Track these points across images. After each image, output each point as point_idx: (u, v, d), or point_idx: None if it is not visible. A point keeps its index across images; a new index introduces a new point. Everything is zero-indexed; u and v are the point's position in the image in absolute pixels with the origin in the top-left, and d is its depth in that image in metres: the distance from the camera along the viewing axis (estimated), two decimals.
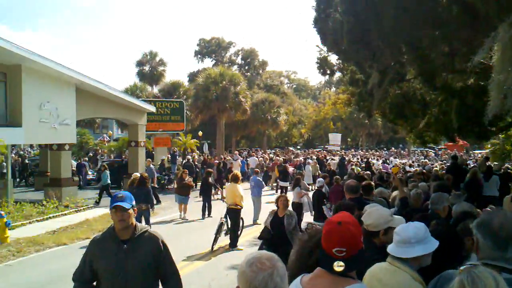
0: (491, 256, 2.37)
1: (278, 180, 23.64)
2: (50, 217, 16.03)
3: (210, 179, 17.20)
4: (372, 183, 8.46)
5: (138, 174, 13.98)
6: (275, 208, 8.45)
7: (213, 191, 17.44)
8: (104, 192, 19.59)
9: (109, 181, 19.84)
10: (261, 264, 2.08)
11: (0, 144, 15.24)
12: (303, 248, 2.99)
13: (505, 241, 2.34)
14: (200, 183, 24.01)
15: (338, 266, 2.31)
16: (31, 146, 44.09)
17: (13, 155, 29.33)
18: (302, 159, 31.09)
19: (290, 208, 8.52)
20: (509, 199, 3.15)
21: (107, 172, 20.03)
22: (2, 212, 12.98)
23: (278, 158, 29.26)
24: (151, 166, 22.04)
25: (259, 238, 8.45)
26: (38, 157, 28.51)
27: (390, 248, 3.18)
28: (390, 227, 3.86)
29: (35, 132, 17.75)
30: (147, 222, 12.80)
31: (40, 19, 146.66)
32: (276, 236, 7.99)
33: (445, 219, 4.08)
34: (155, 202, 16.14)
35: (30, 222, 15.14)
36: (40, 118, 17.81)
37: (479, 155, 36.12)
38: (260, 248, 7.48)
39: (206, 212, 16.61)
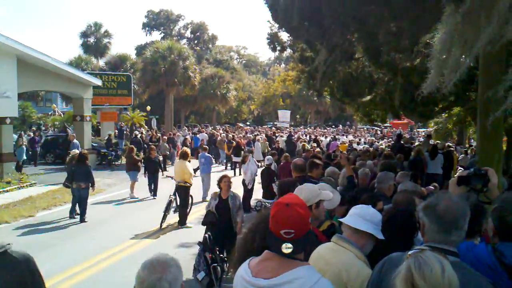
0: (436, 239, 2.42)
1: (232, 156, 23.70)
2: None
3: (156, 156, 16.68)
4: (317, 161, 8.04)
5: (77, 151, 13.66)
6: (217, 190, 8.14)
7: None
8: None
9: (24, 157, 19.27)
10: (153, 268, 2.25)
11: None
12: (250, 231, 2.99)
13: (449, 225, 2.39)
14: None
15: (286, 248, 2.32)
16: None
17: None
18: (252, 136, 31.13)
19: (232, 192, 8.12)
20: (454, 182, 3.24)
21: (24, 148, 19.35)
22: None
23: (228, 134, 29.14)
24: (75, 141, 21.40)
25: (203, 223, 7.93)
26: None
27: (345, 219, 3.25)
28: (320, 200, 4.00)
29: None
30: (85, 201, 12.48)
31: None
32: (223, 219, 7.75)
33: (402, 207, 4.18)
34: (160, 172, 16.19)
35: None
36: None
37: (423, 133, 37.31)
38: (204, 235, 7.10)
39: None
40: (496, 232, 2.85)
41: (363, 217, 3.18)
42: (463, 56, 6.38)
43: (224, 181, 8.02)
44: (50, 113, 43.13)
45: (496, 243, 2.82)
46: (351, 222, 3.20)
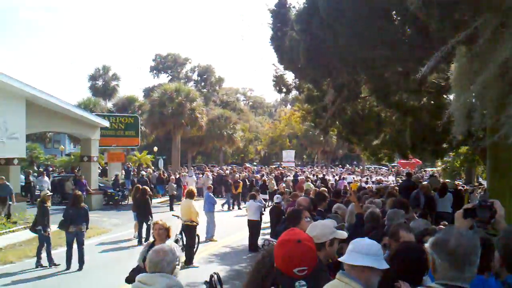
0: (448, 277, 2.35)
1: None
2: None
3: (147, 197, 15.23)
4: (325, 193, 8.16)
5: (48, 192, 12.96)
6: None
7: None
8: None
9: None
10: (157, 252, 3.55)
11: None
12: (257, 271, 2.92)
13: (462, 261, 2.33)
14: (156, 200, 23.81)
15: (301, 286, 2.25)
16: None
17: None
18: (259, 176, 31.15)
19: (170, 240, 6.35)
20: (460, 214, 3.17)
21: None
22: None
23: (235, 174, 29.18)
24: (6, 183, 18.36)
25: (127, 281, 5.88)
26: None
27: (342, 258, 3.17)
28: (335, 238, 3.90)
29: None
30: (82, 245, 11.46)
31: None
32: None
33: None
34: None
35: None
36: None
37: (431, 173, 37.15)
38: (211, 274, 5.95)
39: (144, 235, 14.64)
40: (503, 263, 2.78)
41: (358, 252, 3.09)
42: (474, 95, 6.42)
43: (156, 229, 6.66)
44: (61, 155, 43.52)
45: (505, 277, 2.76)
46: (346, 259, 3.11)
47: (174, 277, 3.51)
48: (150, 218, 14.31)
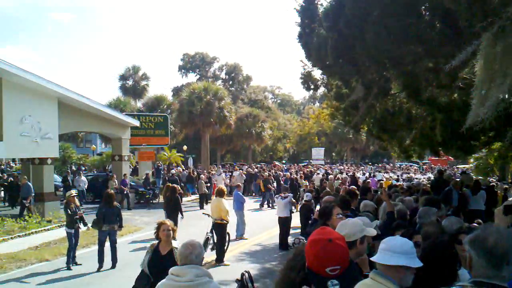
0: (485, 274, 2.33)
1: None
2: (32, 233, 15.74)
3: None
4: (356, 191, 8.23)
5: (73, 192, 12.69)
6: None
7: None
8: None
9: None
10: (187, 246, 3.90)
11: None
12: (289, 269, 2.93)
13: (500, 259, 2.31)
14: (186, 198, 24.08)
15: (333, 285, 2.25)
16: (14, 160, 43.49)
17: None
18: (289, 174, 31.15)
19: (176, 242, 6.09)
20: (500, 211, 3.10)
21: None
22: None
23: (264, 172, 29.27)
24: (28, 183, 19.32)
25: None
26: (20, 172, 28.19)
27: (374, 257, 3.15)
28: (365, 235, 3.89)
29: (17, 146, 17.45)
30: (114, 244, 11.57)
31: (20, 35, 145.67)
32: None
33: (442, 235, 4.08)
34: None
35: (11, 238, 14.86)
36: (21, 132, 17.53)
37: (463, 170, 36.48)
38: (242, 272, 5.76)
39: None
40: None
41: (392, 251, 3.06)
42: (502, 90, 6.27)
43: (162, 229, 6.09)
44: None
45: None
46: (380, 259, 3.06)
47: (203, 268, 3.90)
48: (181, 216, 14.44)
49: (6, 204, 24.84)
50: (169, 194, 15.12)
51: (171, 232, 6.08)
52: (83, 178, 25.11)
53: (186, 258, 3.83)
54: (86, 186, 24.77)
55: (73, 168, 35.82)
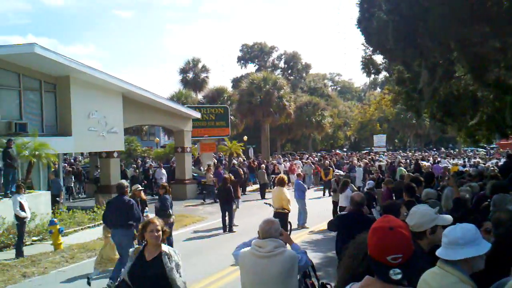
0: None
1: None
2: (101, 224, 16.32)
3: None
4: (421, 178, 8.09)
5: (139, 186, 12.50)
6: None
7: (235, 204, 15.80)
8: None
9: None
10: (267, 222, 4.54)
11: (52, 153, 15.73)
12: (351, 258, 2.88)
13: None
14: (247, 188, 24.26)
15: (395, 274, 2.17)
16: (82, 154, 45.41)
17: (65, 164, 30.42)
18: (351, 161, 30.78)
19: (167, 246, 4.94)
20: None
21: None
22: (55, 219, 13.38)
23: (325, 161, 29.06)
24: (57, 179, 19.33)
25: None
26: (89, 165, 29.49)
27: (438, 251, 3.03)
28: (436, 225, 3.71)
29: (85, 140, 18.26)
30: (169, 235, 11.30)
31: (85, 32, 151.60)
32: None
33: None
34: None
35: (82, 229, 15.54)
36: (88, 127, 18.31)
37: None
38: None
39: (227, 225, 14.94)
40: None
41: (455, 243, 2.90)
42: None
43: (150, 230, 4.70)
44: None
45: None
46: (444, 255, 2.93)
47: (280, 240, 4.50)
48: (234, 204, 14.77)
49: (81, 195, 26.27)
50: (221, 184, 15.28)
51: (161, 233, 4.72)
52: (163, 170, 25.49)
53: (266, 232, 4.46)
54: (165, 178, 25.12)
55: (138, 160, 36.87)
